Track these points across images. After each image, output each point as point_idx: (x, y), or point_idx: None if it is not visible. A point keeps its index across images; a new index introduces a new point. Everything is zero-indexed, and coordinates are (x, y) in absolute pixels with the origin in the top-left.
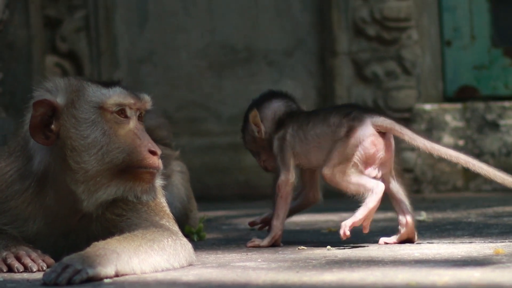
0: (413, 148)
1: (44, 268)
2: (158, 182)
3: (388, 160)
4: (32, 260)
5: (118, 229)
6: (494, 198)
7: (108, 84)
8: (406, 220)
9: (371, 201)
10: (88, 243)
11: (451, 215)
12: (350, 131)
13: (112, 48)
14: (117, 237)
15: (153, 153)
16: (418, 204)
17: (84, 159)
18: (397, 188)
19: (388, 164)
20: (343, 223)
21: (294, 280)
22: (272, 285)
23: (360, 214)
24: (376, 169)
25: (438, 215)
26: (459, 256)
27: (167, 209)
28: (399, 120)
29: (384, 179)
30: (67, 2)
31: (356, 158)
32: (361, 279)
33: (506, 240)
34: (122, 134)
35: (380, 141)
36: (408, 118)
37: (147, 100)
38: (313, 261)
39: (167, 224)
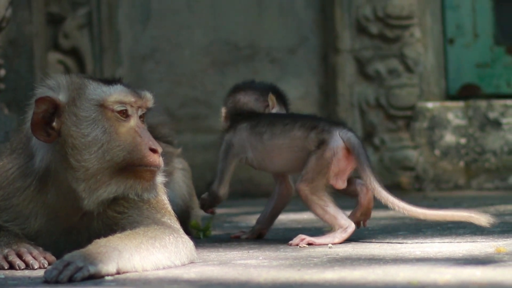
0: (415, 146)
1: (46, 265)
2: (159, 179)
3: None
4: (34, 257)
5: (119, 227)
6: (496, 196)
7: (110, 81)
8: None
9: (339, 238)
10: (89, 241)
11: None
12: (322, 144)
13: (115, 45)
14: (118, 235)
15: (153, 151)
16: (419, 203)
17: (85, 157)
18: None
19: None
20: (302, 235)
21: (295, 278)
22: (273, 283)
23: (322, 241)
24: (344, 181)
25: None
26: (461, 255)
27: (168, 206)
28: (401, 118)
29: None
30: None
31: (330, 171)
32: (362, 277)
33: (508, 239)
34: (123, 132)
35: (349, 155)
36: (410, 116)
37: (149, 98)
38: (315, 259)
39: (169, 221)
